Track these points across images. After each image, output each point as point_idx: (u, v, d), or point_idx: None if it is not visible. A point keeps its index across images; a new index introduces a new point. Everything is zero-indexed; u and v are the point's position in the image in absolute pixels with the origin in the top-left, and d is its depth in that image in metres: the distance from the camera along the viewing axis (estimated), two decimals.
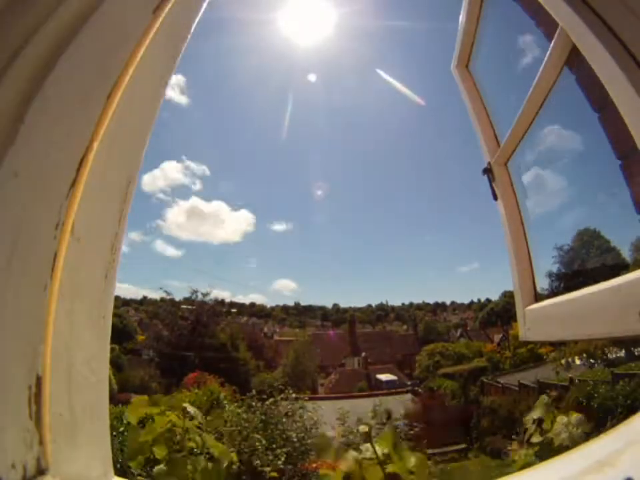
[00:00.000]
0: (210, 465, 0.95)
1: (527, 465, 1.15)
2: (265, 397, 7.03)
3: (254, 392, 7.21)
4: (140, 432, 1.00)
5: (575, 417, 1.17)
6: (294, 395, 7.35)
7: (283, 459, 5.69)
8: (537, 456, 1.16)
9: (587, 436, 1.08)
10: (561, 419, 1.19)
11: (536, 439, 1.25)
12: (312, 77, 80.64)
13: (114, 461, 0.63)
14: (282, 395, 7.17)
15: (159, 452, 0.96)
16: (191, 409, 1.03)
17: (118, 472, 0.64)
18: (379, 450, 0.88)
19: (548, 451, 1.14)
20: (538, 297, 1.39)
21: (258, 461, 5.07)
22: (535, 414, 1.28)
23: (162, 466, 0.96)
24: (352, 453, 0.88)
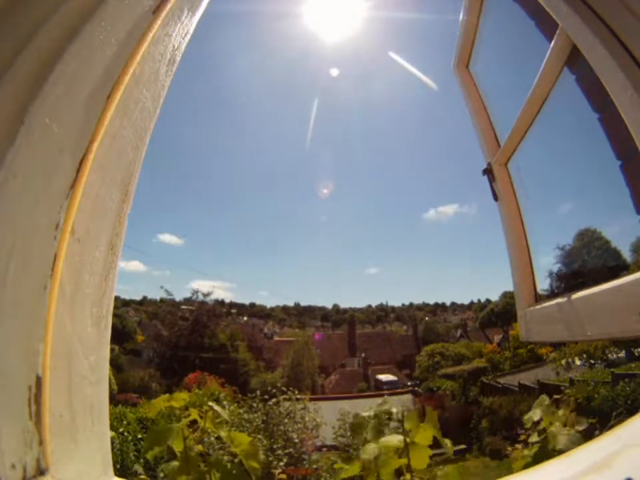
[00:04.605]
0: (229, 465, 0.95)
1: (526, 466, 1.16)
2: (267, 397, 7.02)
3: (258, 393, 7.20)
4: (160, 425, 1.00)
5: (573, 416, 1.18)
6: (297, 396, 7.33)
7: (285, 460, 5.68)
8: (534, 458, 1.16)
9: (586, 436, 1.08)
10: (559, 420, 1.19)
11: (534, 439, 1.25)
12: (334, 72, 78.60)
13: (114, 462, 0.63)
14: (284, 396, 7.15)
15: (177, 446, 0.96)
16: (216, 407, 1.03)
17: (118, 472, 0.64)
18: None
19: (545, 452, 1.14)
20: (538, 298, 1.39)
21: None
22: (535, 414, 1.29)
23: (175, 462, 0.96)
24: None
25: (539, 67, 1.24)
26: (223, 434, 1.00)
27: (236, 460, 1.05)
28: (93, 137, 0.58)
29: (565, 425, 1.14)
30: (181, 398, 1.07)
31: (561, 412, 1.21)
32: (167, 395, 1.09)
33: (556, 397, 1.37)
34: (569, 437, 1.08)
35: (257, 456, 0.98)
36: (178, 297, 28.35)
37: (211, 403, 1.03)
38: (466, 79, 1.87)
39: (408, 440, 0.94)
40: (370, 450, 0.93)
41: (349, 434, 7.32)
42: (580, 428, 1.11)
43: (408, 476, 0.92)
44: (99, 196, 0.61)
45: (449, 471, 0.94)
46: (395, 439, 0.95)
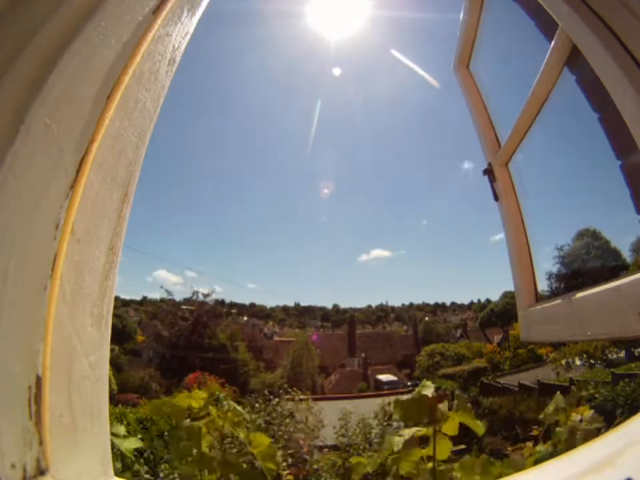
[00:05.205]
0: (245, 465, 0.95)
1: (537, 462, 1.16)
2: (270, 397, 7.02)
3: (263, 393, 7.20)
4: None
5: (588, 414, 1.18)
6: (300, 396, 7.32)
7: (288, 460, 5.67)
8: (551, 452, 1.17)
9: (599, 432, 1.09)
10: (575, 416, 1.19)
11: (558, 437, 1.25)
12: (337, 71, 78.04)
13: (114, 462, 0.63)
14: (287, 396, 7.14)
15: (205, 442, 0.96)
16: (238, 407, 1.02)
17: (118, 472, 0.64)
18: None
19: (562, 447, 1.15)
20: (538, 298, 1.39)
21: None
22: (551, 411, 1.29)
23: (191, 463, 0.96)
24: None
25: (539, 67, 1.24)
26: (241, 435, 1.00)
27: (255, 461, 1.04)
28: (93, 137, 0.58)
29: (580, 422, 1.15)
30: (200, 396, 1.06)
31: (577, 409, 1.21)
32: (186, 392, 1.08)
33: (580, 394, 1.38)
34: (587, 432, 1.09)
35: (274, 457, 0.98)
36: (177, 297, 28.41)
37: (231, 402, 1.02)
38: (466, 79, 1.87)
39: (437, 428, 0.94)
40: (397, 441, 0.93)
41: (350, 434, 7.33)
42: (596, 425, 1.12)
43: (430, 464, 0.92)
44: (98, 196, 0.61)
45: (465, 461, 0.94)
46: (422, 429, 0.95)
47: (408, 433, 0.94)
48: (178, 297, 27.06)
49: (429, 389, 1.03)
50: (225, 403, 1.02)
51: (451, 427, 0.95)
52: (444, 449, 0.95)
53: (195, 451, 0.95)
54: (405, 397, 1.04)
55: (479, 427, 0.99)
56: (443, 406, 0.97)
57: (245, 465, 0.95)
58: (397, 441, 0.93)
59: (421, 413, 0.96)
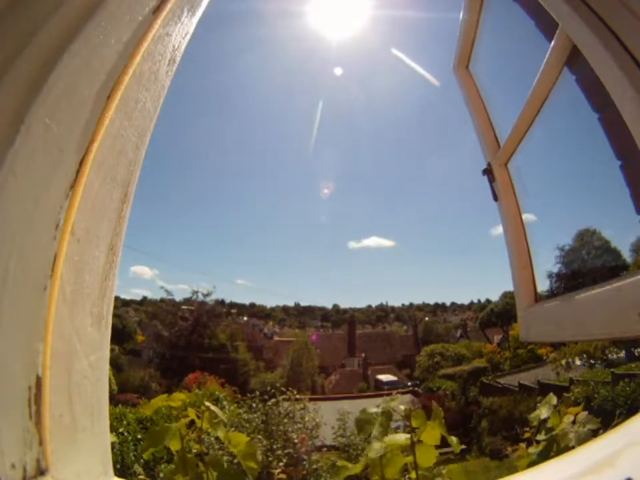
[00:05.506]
0: (227, 465, 0.94)
1: (530, 464, 1.16)
2: (266, 397, 7.03)
3: (257, 393, 7.21)
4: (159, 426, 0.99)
5: (582, 415, 1.17)
6: (296, 396, 7.32)
7: (284, 460, 5.69)
8: (541, 455, 1.16)
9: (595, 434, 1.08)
10: (567, 418, 1.19)
11: (541, 437, 1.25)
12: (338, 71, 78.03)
13: (114, 462, 0.63)
14: (284, 396, 7.15)
15: (174, 445, 0.96)
16: (213, 407, 1.02)
17: (118, 472, 0.64)
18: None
19: (552, 450, 1.14)
20: (538, 298, 1.39)
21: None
22: (541, 412, 1.28)
23: (171, 465, 0.96)
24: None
25: (539, 67, 1.24)
26: (220, 434, 1.00)
27: (235, 460, 1.04)
28: (93, 137, 0.58)
29: (573, 423, 1.14)
30: (178, 398, 1.07)
31: (570, 410, 1.20)
32: (165, 395, 1.09)
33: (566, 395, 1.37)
34: (580, 434, 1.08)
35: (254, 456, 0.98)
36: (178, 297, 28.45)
37: (207, 403, 1.02)
38: (466, 79, 1.87)
39: (415, 438, 0.93)
40: (376, 448, 0.92)
41: (348, 434, 7.32)
42: (590, 427, 1.11)
43: (414, 474, 0.91)
44: (98, 196, 0.61)
45: (452, 468, 0.93)
46: (401, 437, 0.93)
47: (389, 440, 0.93)
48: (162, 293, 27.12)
49: (396, 402, 1.02)
50: (206, 404, 1.01)
51: (431, 436, 0.94)
52: (428, 455, 0.94)
53: (176, 451, 0.95)
54: (369, 410, 1.02)
55: (454, 444, 0.98)
56: (419, 414, 0.96)
57: (226, 464, 0.95)
58: (378, 448, 0.92)
59: (386, 427, 0.95)
